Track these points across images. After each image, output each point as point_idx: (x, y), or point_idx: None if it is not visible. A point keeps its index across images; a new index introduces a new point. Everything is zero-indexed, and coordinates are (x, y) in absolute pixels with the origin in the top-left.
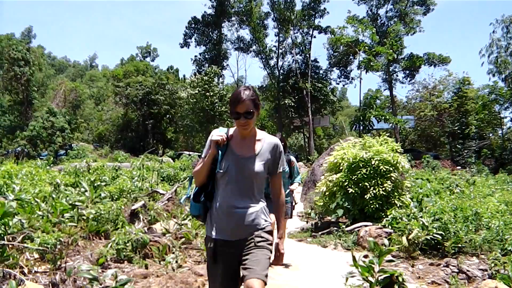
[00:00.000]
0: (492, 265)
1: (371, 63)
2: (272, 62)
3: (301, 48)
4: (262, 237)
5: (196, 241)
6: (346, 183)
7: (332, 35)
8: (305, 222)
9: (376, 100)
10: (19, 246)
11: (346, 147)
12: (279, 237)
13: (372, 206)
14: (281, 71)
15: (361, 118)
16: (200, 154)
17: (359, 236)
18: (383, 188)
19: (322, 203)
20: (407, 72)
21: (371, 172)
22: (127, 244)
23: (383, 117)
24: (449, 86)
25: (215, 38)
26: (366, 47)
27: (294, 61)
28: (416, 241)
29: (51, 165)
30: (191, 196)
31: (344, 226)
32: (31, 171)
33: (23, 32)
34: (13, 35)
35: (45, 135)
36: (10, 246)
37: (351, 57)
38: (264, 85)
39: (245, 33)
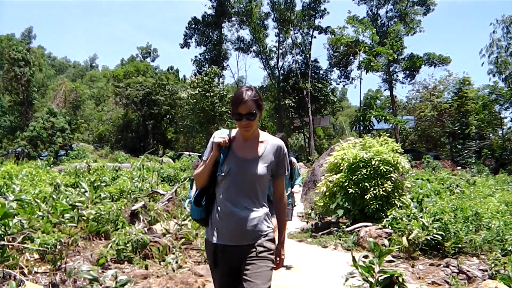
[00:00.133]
0: (492, 265)
1: (371, 63)
2: (272, 63)
3: (301, 48)
4: (264, 246)
5: (196, 242)
6: (346, 183)
7: (332, 35)
8: (305, 222)
9: (376, 101)
10: (19, 247)
11: (346, 148)
12: (280, 241)
13: (372, 207)
14: (281, 71)
15: (361, 119)
16: (200, 154)
17: (359, 236)
18: (383, 189)
19: (322, 204)
20: (407, 72)
21: (371, 172)
22: (127, 245)
23: (383, 118)
24: (449, 86)
25: (215, 38)
26: (366, 47)
27: (294, 62)
28: (416, 242)
29: (51, 165)
30: (190, 199)
31: (344, 226)
32: (31, 172)
33: (23, 33)
34: (13, 36)
35: (45, 136)
36: (10, 246)
37: (351, 57)
38: (264, 86)
39: (245, 34)
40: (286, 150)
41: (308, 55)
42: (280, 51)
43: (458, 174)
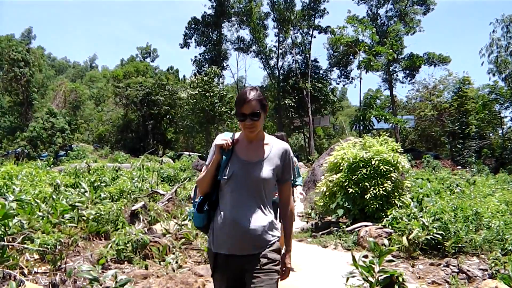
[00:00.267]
0: (493, 265)
1: (371, 63)
2: (272, 62)
3: (301, 48)
4: (268, 258)
5: (196, 242)
6: (346, 183)
7: (332, 35)
8: (305, 222)
9: (376, 100)
10: (19, 247)
11: (346, 147)
12: (286, 251)
13: (372, 206)
14: (281, 71)
15: (361, 118)
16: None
17: (359, 236)
18: (383, 188)
19: (322, 203)
20: (407, 72)
21: (371, 172)
22: (127, 245)
23: (383, 117)
24: (449, 85)
25: (215, 38)
26: (366, 47)
27: (294, 61)
28: (416, 241)
29: (51, 166)
30: (195, 206)
31: (344, 226)
32: (31, 172)
33: (23, 33)
34: (13, 36)
35: (45, 136)
36: (10, 246)
37: (351, 57)
38: (264, 85)
39: (245, 34)
40: (292, 154)
41: (308, 55)
42: (280, 51)
43: (458, 174)
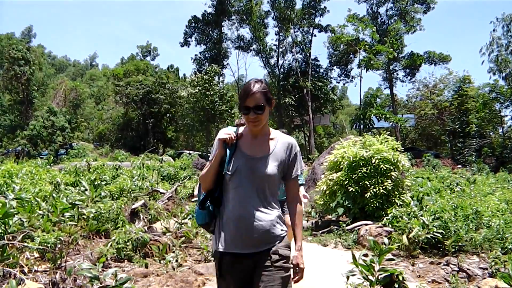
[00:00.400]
0: (493, 263)
1: (372, 62)
2: (272, 61)
3: (301, 46)
4: (279, 254)
5: (196, 240)
6: (347, 181)
7: (333, 34)
8: (306, 220)
9: (376, 99)
10: (19, 245)
11: (346, 146)
12: (298, 250)
13: (372, 205)
14: (282, 70)
15: (362, 117)
16: (200, 153)
17: (359, 234)
18: (384, 187)
19: (322, 202)
20: (408, 70)
21: (372, 170)
22: (127, 243)
23: (384, 116)
24: (449, 84)
25: (215, 37)
26: (367, 46)
27: (295, 60)
28: (416, 240)
29: (52, 164)
30: (198, 203)
31: (344, 224)
32: (32, 171)
33: (23, 32)
34: (13, 35)
35: (46, 135)
36: (10, 245)
37: (351, 55)
38: None
39: (245, 32)
40: (298, 148)
41: (308, 54)
42: (280, 49)
43: (459, 173)
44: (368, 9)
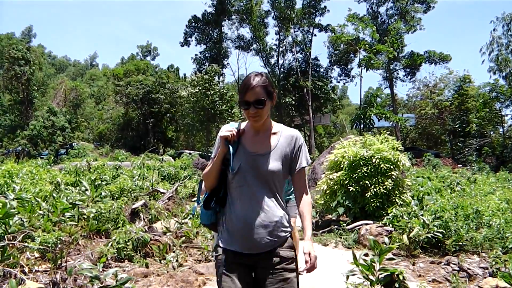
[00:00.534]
0: (493, 263)
1: (372, 61)
2: (272, 61)
3: (301, 46)
4: (281, 256)
5: (196, 240)
6: (347, 181)
7: (333, 33)
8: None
9: (376, 98)
10: (19, 245)
11: (346, 146)
12: (308, 239)
13: (373, 205)
14: (282, 69)
15: (362, 116)
16: (200, 152)
17: (360, 234)
18: (384, 187)
19: (323, 202)
20: (408, 70)
21: (372, 170)
22: (128, 243)
23: (384, 115)
24: (449, 84)
25: (215, 36)
26: (367, 45)
27: (295, 60)
28: (417, 239)
29: (52, 164)
30: (201, 203)
31: (345, 224)
32: (32, 170)
33: (23, 31)
34: (13, 35)
35: (46, 134)
36: (11, 245)
37: (351, 55)
38: None
39: (246, 32)
40: (302, 140)
41: (308, 53)
42: (280, 49)
43: (459, 172)
44: (368, 9)
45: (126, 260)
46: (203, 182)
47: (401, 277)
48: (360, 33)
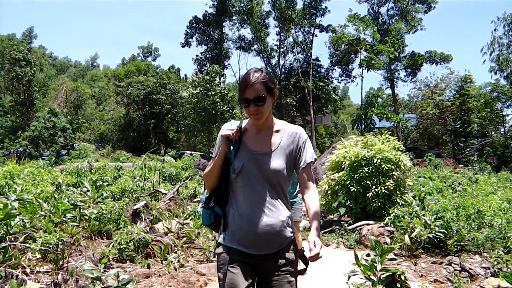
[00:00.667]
0: (495, 263)
1: (373, 62)
2: (273, 61)
3: (302, 47)
4: (287, 258)
5: (198, 241)
6: (348, 181)
7: (334, 34)
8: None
9: (377, 99)
10: (21, 246)
11: (348, 146)
12: (315, 229)
13: (374, 205)
14: (283, 70)
15: (363, 117)
16: (202, 153)
17: (361, 234)
18: (385, 187)
19: (324, 202)
20: (409, 70)
21: (373, 170)
22: (129, 244)
23: (385, 116)
24: (451, 84)
25: (216, 37)
26: (368, 46)
27: (296, 60)
28: (418, 240)
29: (53, 165)
30: (203, 203)
31: (346, 224)
32: (33, 171)
33: (24, 33)
34: (14, 36)
35: (47, 135)
36: (12, 246)
37: (352, 55)
38: None
39: (246, 32)
40: (306, 136)
41: (309, 54)
42: (281, 49)
43: (460, 172)
44: (369, 9)
45: (127, 261)
46: (204, 182)
47: (402, 277)
48: (361, 34)
